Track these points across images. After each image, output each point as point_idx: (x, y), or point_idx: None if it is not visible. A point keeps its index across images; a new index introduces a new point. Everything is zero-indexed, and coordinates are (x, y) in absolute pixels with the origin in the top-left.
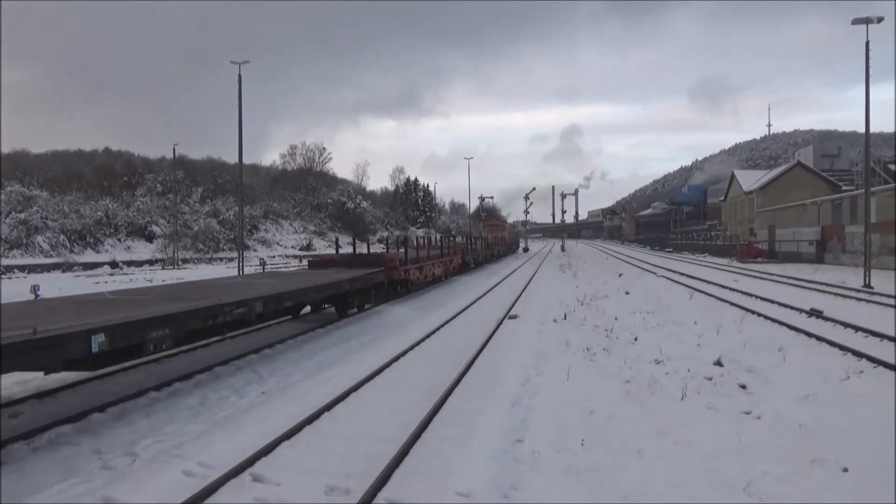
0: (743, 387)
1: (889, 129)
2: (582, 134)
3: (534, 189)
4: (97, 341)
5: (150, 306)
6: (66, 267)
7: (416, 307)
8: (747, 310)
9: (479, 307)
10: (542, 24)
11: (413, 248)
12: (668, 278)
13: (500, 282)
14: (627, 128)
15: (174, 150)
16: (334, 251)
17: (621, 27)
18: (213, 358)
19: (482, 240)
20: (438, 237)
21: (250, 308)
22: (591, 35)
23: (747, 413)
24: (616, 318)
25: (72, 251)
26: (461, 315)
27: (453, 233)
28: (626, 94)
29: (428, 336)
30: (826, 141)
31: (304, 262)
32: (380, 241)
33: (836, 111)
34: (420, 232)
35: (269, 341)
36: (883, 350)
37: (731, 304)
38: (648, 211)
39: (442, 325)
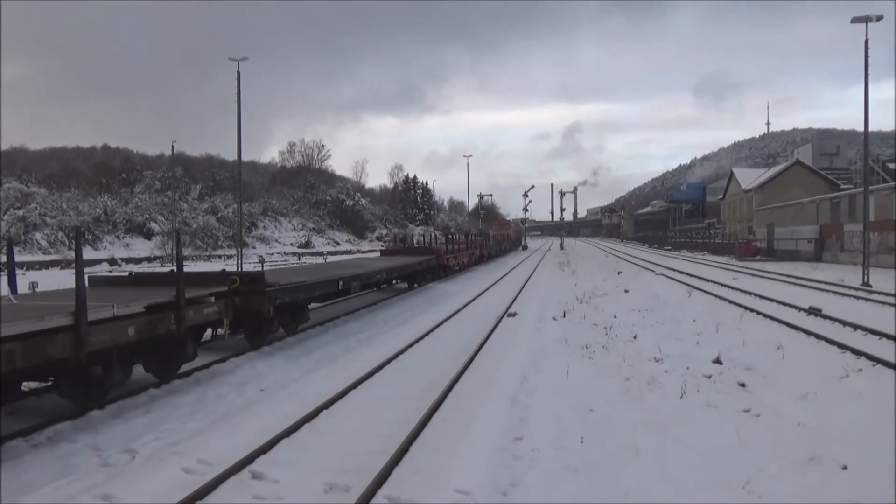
0: (742, 385)
1: (888, 127)
2: (583, 131)
3: (532, 187)
4: (339, 285)
5: (346, 270)
6: (65, 264)
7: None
8: (746, 308)
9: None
10: (544, 21)
11: (450, 243)
12: (666, 276)
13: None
14: (627, 125)
15: (173, 147)
16: (333, 247)
17: (623, 25)
18: (211, 355)
19: (493, 237)
20: (449, 234)
21: (381, 276)
22: (593, 32)
23: (746, 411)
24: (615, 316)
25: (70, 248)
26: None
27: (452, 230)
28: (627, 92)
29: (428, 332)
30: (825, 139)
31: (303, 259)
32: (378, 238)
33: (836, 109)
34: (419, 230)
35: (269, 339)
36: (882, 348)
37: (730, 302)
38: (647, 209)
39: (444, 321)
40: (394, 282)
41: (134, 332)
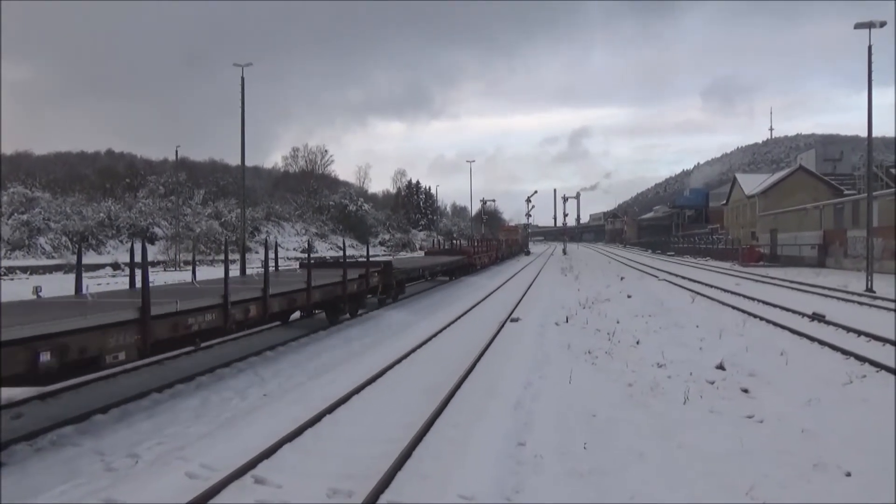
0: (745, 391)
1: (892, 133)
2: (590, 136)
3: (535, 192)
4: (420, 272)
5: (419, 262)
6: (68, 268)
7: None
8: (749, 313)
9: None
10: (555, 25)
11: (475, 246)
12: (669, 282)
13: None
14: (631, 130)
15: (177, 152)
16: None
17: (634, 28)
18: (215, 359)
19: (504, 242)
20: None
21: (438, 268)
22: (603, 35)
23: (750, 417)
24: (618, 322)
25: (74, 252)
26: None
27: (455, 235)
28: (635, 96)
29: (434, 336)
30: (828, 145)
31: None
32: (381, 243)
33: (846, 114)
34: (422, 235)
35: (272, 342)
36: (885, 354)
37: (733, 307)
38: (650, 214)
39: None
40: (437, 275)
41: (354, 288)
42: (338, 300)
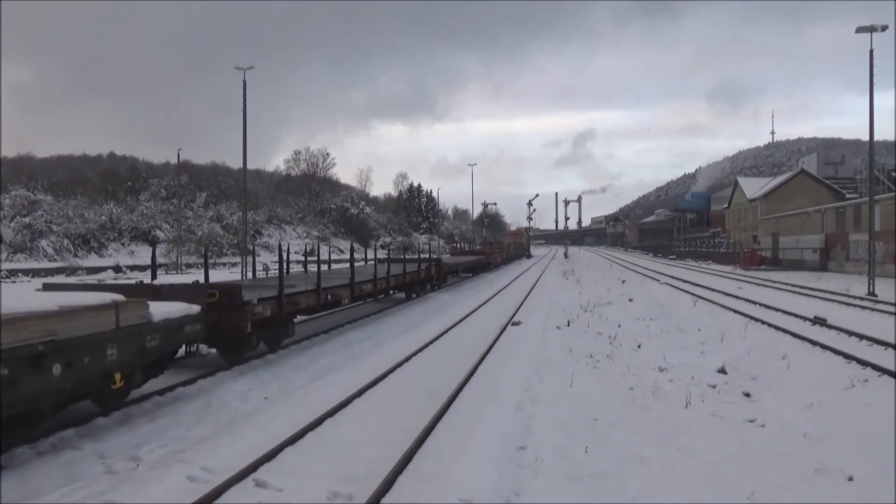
0: (747, 395)
1: (893, 136)
2: (594, 139)
3: (537, 195)
4: (456, 268)
5: (454, 260)
6: (70, 271)
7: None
8: (751, 317)
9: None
10: (558, 28)
11: (491, 248)
12: (671, 285)
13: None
14: (634, 133)
15: (179, 154)
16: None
17: (640, 30)
18: (215, 362)
19: (511, 244)
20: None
21: (467, 264)
22: (609, 38)
23: (751, 421)
24: (619, 325)
25: (76, 255)
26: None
27: (456, 239)
28: (635, 99)
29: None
30: (830, 149)
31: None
32: (382, 247)
33: (841, 118)
34: (423, 238)
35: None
36: (887, 358)
37: (735, 311)
38: (652, 218)
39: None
40: (466, 271)
41: (423, 275)
42: (414, 283)
